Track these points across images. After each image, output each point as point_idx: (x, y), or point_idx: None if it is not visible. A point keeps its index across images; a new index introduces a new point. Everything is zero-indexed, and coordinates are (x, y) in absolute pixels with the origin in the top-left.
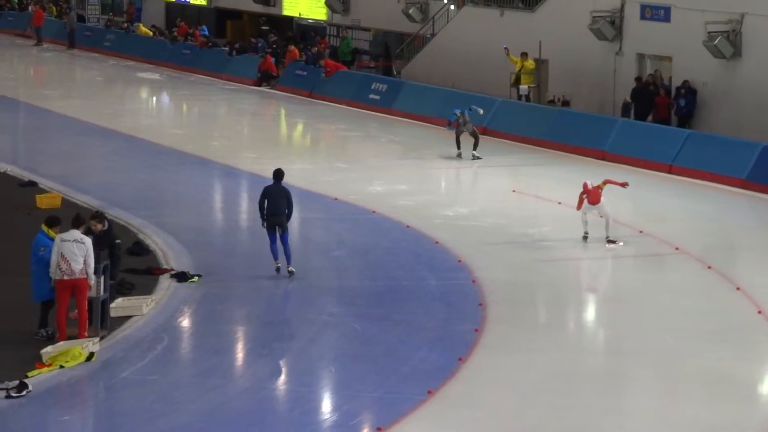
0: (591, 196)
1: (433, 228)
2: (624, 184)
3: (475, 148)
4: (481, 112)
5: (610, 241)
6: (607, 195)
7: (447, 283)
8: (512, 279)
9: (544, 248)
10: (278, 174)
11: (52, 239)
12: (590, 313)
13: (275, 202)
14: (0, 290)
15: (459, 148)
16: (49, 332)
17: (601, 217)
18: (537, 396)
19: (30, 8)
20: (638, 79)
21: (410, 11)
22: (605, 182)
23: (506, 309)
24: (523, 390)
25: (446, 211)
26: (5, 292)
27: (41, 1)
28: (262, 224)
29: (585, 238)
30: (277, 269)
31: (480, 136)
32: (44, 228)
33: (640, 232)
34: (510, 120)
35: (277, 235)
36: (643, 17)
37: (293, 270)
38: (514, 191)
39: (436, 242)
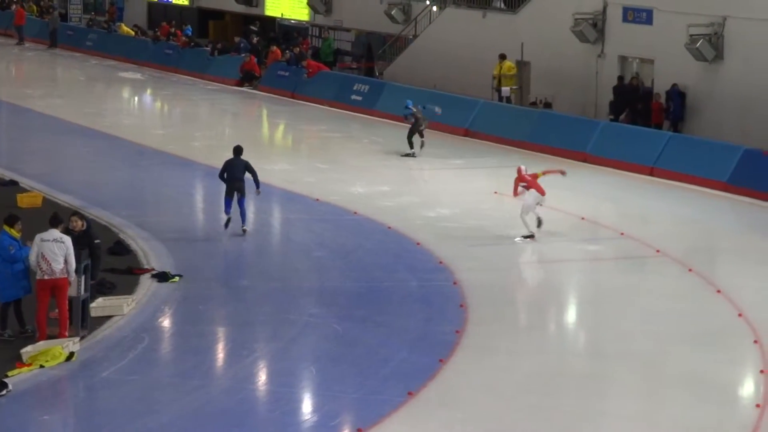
0: (538, 187)
1: (414, 229)
2: (562, 172)
3: (421, 146)
4: (438, 111)
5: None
6: (588, 197)
7: (428, 284)
8: (494, 280)
9: (525, 250)
10: (238, 149)
11: (16, 238)
12: (572, 315)
13: (234, 171)
14: None
15: (412, 147)
16: (30, 331)
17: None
18: (518, 398)
19: (12, 7)
20: (621, 78)
21: (393, 12)
22: (544, 173)
23: (487, 310)
24: (504, 391)
25: (428, 212)
26: None
27: (22, 0)
28: None
29: (531, 237)
30: (227, 223)
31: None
32: (6, 228)
33: (622, 234)
34: (492, 122)
35: (234, 199)
36: (625, 20)
37: (247, 229)
38: (495, 193)
39: (418, 243)
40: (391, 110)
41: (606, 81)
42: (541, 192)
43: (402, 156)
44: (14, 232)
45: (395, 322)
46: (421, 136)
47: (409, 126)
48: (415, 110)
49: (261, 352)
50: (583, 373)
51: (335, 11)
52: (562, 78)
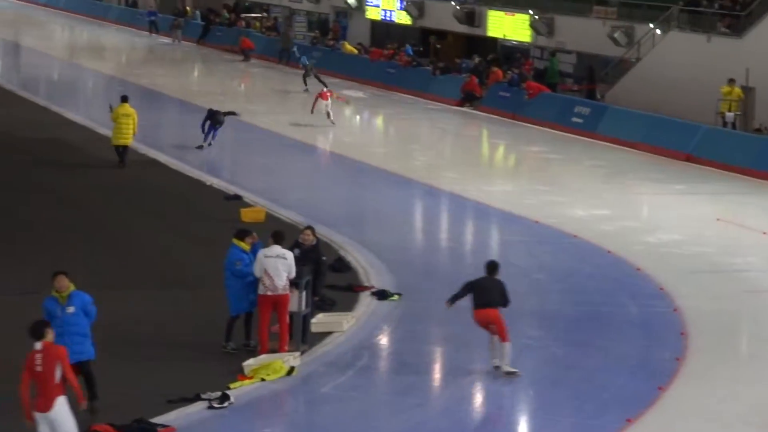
0: (323, 95)
1: (634, 254)
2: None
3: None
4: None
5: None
6: None
7: (648, 310)
8: (715, 309)
9: (749, 278)
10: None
11: (245, 251)
12: None
13: (219, 116)
14: (203, 303)
15: (306, 85)
16: (252, 345)
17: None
18: (739, 428)
19: (239, 24)
20: None
21: (615, 35)
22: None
23: (709, 339)
24: (725, 422)
25: (648, 237)
26: (208, 305)
27: (249, 22)
28: (204, 135)
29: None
30: (201, 147)
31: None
32: (236, 242)
33: None
34: (715, 147)
35: (215, 128)
36: None
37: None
38: (718, 219)
39: (638, 269)
40: (614, 133)
41: None
42: (324, 98)
43: (303, 91)
44: (244, 245)
45: (614, 347)
46: (318, 78)
47: (303, 71)
48: (308, 63)
49: (478, 374)
50: None
51: (558, 33)
52: None
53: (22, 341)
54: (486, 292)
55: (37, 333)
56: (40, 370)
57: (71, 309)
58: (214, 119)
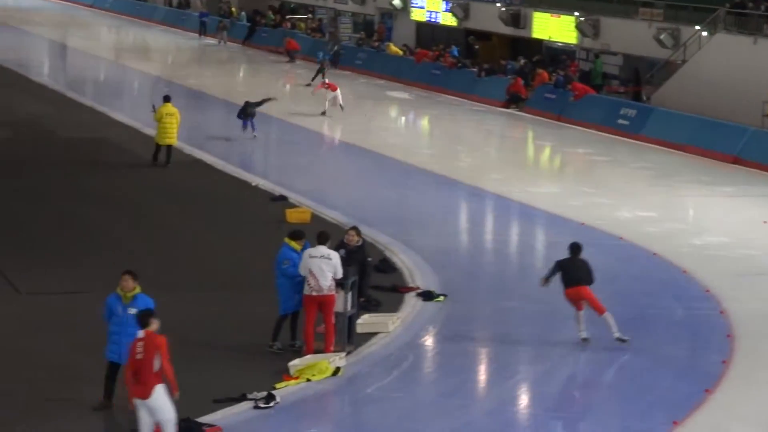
0: (332, 86)
1: (680, 256)
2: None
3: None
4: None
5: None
6: None
7: (694, 312)
8: (763, 311)
9: None
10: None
11: (296, 252)
12: None
13: (250, 108)
14: (249, 304)
15: (313, 80)
16: (297, 345)
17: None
18: None
19: (283, 25)
20: None
21: (661, 37)
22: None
23: (756, 342)
24: None
25: (694, 239)
26: (254, 306)
27: (294, 22)
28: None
29: (324, 113)
30: (243, 130)
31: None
32: (288, 241)
33: None
34: (762, 149)
35: (248, 120)
36: None
37: (256, 135)
38: (765, 222)
39: (684, 271)
40: (660, 135)
41: None
42: (333, 89)
43: (306, 86)
44: (295, 245)
45: (660, 349)
46: (323, 76)
47: (319, 66)
48: (324, 59)
49: (524, 375)
50: None
51: (603, 35)
52: None
53: (69, 339)
54: (575, 272)
55: (142, 321)
56: (140, 357)
57: (132, 311)
58: (246, 111)
